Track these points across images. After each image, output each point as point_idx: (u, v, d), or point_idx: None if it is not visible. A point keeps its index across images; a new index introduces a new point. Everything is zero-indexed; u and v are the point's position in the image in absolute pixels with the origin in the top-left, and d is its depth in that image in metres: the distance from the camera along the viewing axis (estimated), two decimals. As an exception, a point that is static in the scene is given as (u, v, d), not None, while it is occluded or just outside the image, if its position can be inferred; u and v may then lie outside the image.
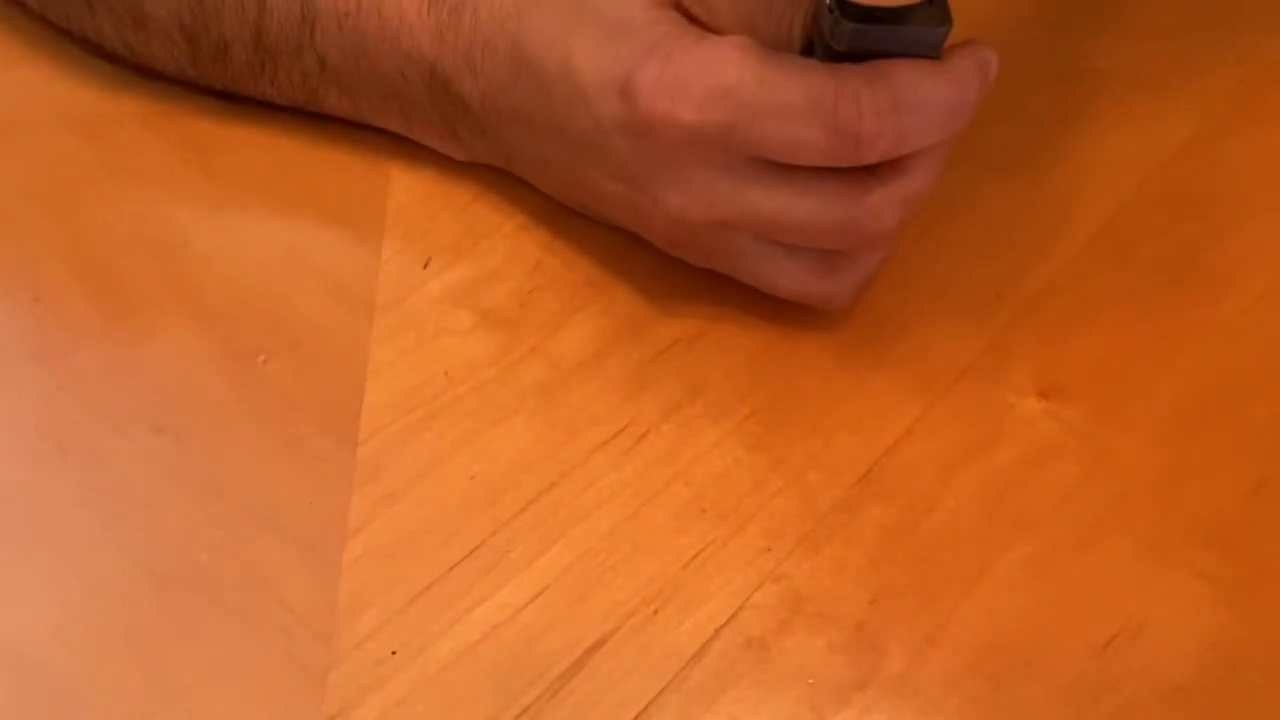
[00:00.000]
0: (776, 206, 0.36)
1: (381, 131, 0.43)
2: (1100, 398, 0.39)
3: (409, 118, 0.42)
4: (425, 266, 0.41)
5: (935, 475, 0.37)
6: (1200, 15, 0.49)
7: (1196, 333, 0.41)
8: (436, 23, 0.39)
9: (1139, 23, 0.49)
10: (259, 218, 0.42)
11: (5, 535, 0.35)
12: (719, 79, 0.34)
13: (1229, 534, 0.37)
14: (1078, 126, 0.46)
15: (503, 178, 0.42)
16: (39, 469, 0.37)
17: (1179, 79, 0.47)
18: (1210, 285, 0.42)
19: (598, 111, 0.36)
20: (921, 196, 0.37)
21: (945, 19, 0.34)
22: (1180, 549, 0.36)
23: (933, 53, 0.34)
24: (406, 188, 0.43)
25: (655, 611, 0.35)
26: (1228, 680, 0.34)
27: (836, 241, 0.37)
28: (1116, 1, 0.50)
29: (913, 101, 0.34)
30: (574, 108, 0.36)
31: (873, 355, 0.40)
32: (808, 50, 0.36)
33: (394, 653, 0.34)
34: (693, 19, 0.36)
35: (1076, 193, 0.44)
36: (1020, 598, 0.35)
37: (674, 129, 0.34)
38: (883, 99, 0.33)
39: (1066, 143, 0.45)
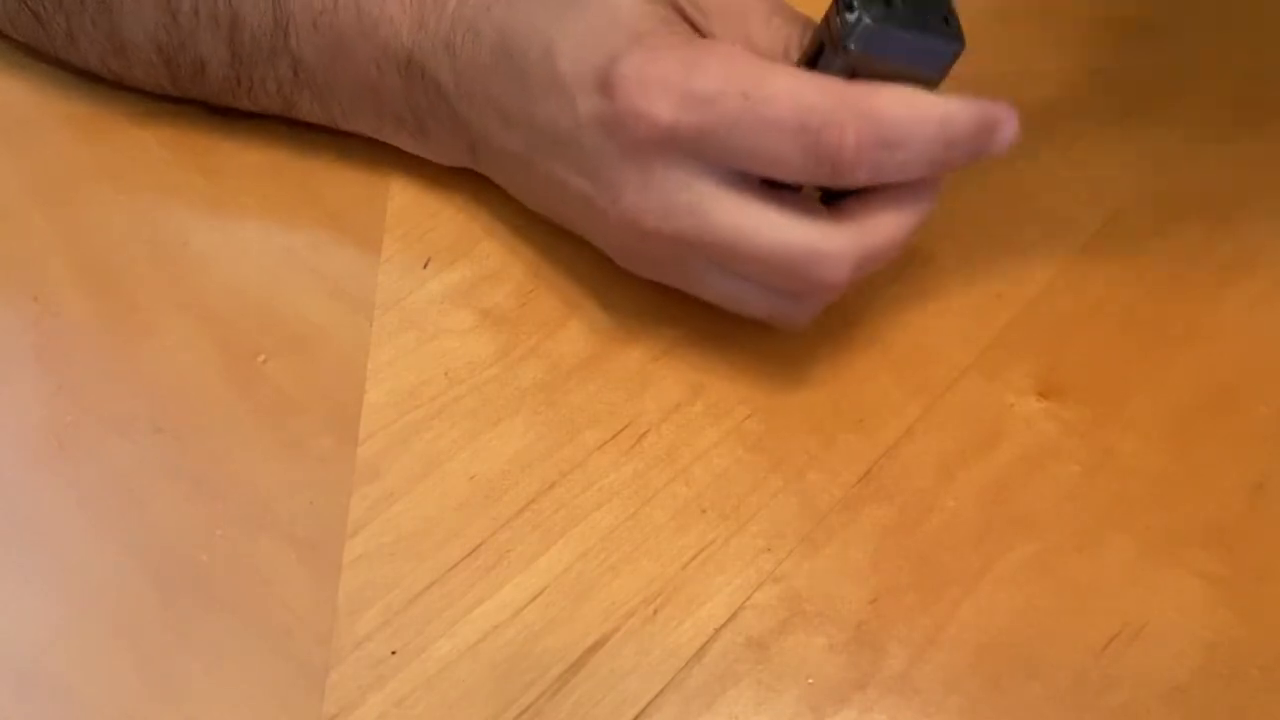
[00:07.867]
0: (732, 233, 0.34)
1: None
2: (1100, 398, 0.39)
3: (379, 115, 0.41)
4: (425, 266, 0.41)
5: (935, 475, 0.37)
6: (1200, 15, 0.49)
7: (1196, 332, 0.41)
8: (418, 10, 0.39)
9: (1139, 23, 0.49)
10: (258, 218, 0.42)
11: (5, 535, 0.35)
12: (702, 84, 0.33)
13: (1229, 534, 0.37)
14: (1077, 126, 0.46)
15: (503, 178, 0.42)
16: (39, 469, 0.37)
17: (1179, 79, 0.47)
18: (1210, 285, 0.42)
19: (573, 101, 0.35)
20: (881, 259, 0.35)
21: (958, 38, 0.33)
22: (1180, 549, 0.36)
23: (938, 74, 0.34)
24: (406, 188, 0.43)
25: (655, 611, 0.35)
26: (1228, 680, 0.34)
27: (783, 281, 0.35)
28: (1116, 2, 0.50)
29: (898, 139, 0.33)
30: (549, 97, 0.36)
31: (873, 355, 0.40)
32: (810, 64, 0.34)
33: (394, 653, 0.34)
34: (687, 19, 0.35)
35: (1076, 193, 0.44)
36: (1020, 598, 0.35)
37: (647, 127, 0.33)
38: (868, 132, 0.32)
39: (1066, 142, 0.45)
